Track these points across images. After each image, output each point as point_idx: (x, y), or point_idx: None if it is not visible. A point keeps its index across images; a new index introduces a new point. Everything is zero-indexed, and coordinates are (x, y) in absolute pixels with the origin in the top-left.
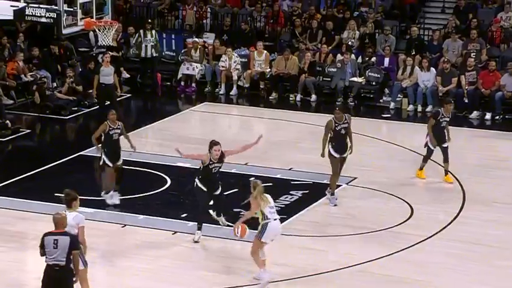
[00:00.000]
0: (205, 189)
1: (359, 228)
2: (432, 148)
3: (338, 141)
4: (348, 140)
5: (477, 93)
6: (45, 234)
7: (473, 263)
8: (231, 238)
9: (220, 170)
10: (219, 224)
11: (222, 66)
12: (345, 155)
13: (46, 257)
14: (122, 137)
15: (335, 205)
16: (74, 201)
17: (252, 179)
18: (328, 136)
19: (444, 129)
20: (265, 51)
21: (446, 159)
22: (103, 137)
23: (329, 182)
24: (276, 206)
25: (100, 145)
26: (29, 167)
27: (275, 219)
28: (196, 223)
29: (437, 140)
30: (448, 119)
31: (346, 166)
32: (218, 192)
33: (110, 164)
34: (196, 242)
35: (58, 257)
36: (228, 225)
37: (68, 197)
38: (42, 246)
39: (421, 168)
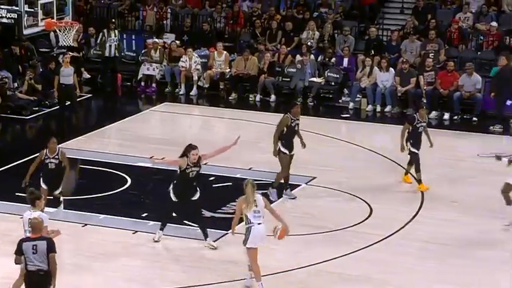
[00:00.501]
0: (175, 200)
1: (317, 228)
2: (416, 151)
3: (289, 138)
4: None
5: (435, 93)
6: (23, 240)
7: (431, 261)
8: (192, 238)
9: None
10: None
11: (182, 67)
12: (293, 153)
13: (27, 264)
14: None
15: (295, 198)
16: (37, 200)
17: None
18: (281, 131)
19: (421, 134)
20: (225, 52)
21: (411, 163)
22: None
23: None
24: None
25: (27, 182)
26: None
27: (259, 224)
28: (160, 223)
29: (414, 145)
30: (424, 124)
31: (305, 165)
32: (196, 198)
33: (45, 187)
34: (156, 241)
35: (40, 262)
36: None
37: (31, 195)
38: (19, 253)
39: (419, 182)
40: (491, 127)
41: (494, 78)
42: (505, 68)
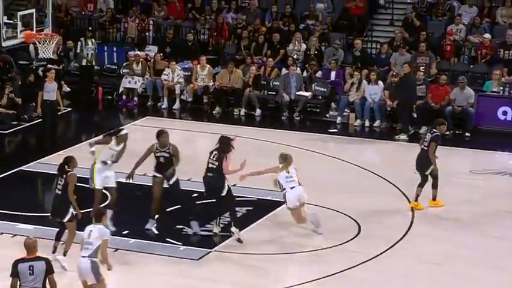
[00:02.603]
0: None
1: (303, 247)
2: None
3: (157, 167)
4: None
5: (426, 107)
6: (18, 261)
7: (418, 281)
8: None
9: None
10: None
11: (165, 80)
12: (171, 182)
13: (21, 285)
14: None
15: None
16: (103, 215)
17: None
18: (144, 159)
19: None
20: (208, 66)
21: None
22: None
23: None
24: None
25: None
26: None
27: (292, 188)
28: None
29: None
30: None
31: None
32: None
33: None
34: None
35: (36, 283)
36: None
37: (98, 212)
38: (15, 275)
39: (434, 199)
40: (396, 136)
41: (396, 86)
42: (407, 76)
